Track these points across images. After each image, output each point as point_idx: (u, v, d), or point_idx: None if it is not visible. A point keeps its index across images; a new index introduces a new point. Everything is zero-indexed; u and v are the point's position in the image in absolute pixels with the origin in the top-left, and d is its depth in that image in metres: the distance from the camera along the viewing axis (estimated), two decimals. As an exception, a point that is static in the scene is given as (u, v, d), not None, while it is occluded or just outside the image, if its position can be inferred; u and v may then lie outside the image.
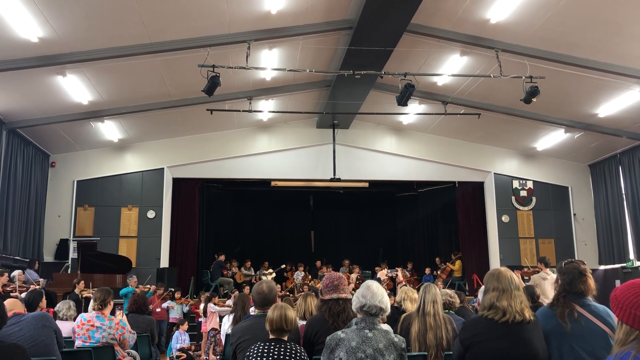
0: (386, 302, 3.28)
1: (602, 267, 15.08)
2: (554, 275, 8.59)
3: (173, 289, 12.08)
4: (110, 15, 8.65)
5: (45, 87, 10.49)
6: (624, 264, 14.14)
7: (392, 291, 13.96)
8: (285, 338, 3.50)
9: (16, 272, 9.60)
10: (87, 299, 9.59)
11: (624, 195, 14.34)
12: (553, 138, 14.31)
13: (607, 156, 14.95)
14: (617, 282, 13.57)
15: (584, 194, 15.83)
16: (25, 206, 12.46)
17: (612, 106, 11.88)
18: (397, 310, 5.10)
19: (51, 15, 8.27)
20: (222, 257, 15.24)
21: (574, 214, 15.69)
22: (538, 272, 8.95)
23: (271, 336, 3.50)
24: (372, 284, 3.35)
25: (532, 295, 6.21)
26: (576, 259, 3.43)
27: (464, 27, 9.90)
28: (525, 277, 10.08)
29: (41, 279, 10.76)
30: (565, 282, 3.21)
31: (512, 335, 2.99)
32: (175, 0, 8.49)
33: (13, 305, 4.85)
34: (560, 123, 13.28)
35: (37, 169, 13.18)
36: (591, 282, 3.20)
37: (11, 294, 8.17)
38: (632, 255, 14.02)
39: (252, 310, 5.86)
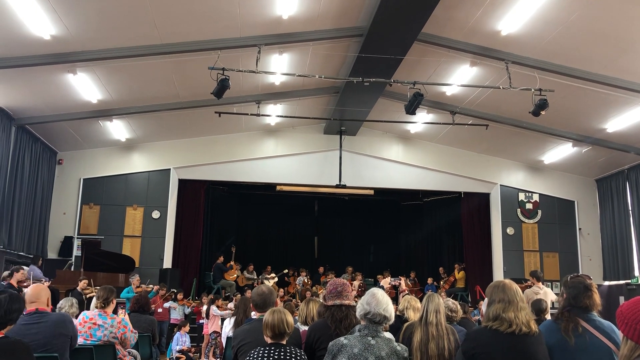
0: (390, 310, 3.27)
1: (607, 283, 14.99)
2: (547, 290, 8.53)
3: (175, 290, 12.08)
4: (122, 15, 8.70)
5: (56, 85, 10.55)
6: (629, 281, 14.05)
7: (394, 300, 13.92)
8: (284, 342, 3.49)
9: (28, 268, 9.66)
10: (90, 298, 9.60)
11: (630, 212, 14.27)
12: (560, 152, 14.27)
13: (614, 171, 14.90)
14: (621, 299, 13.48)
15: (590, 208, 15.77)
16: (31, 202, 12.50)
17: (620, 121, 11.85)
18: (399, 318, 5.08)
19: (64, 13, 8.33)
20: (221, 259, 15.27)
21: (580, 229, 15.63)
22: (530, 286, 8.78)
23: (270, 341, 3.47)
24: (377, 291, 3.34)
25: (539, 310, 6.17)
26: (581, 273, 3.40)
27: (475, 38, 9.90)
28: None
29: (46, 278, 10.84)
30: (570, 296, 3.19)
31: (516, 347, 2.96)
32: (187, 2, 8.53)
33: (38, 295, 4.27)
34: (568, 137, 13.25)
35: (44, 165, 13.23)
36: (597, 297, 3.18)
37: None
38: (637, 272, 13.94)
39: (254, 315, 5.85)
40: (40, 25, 8.47)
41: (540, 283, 8.60)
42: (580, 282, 3.23)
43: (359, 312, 3.29)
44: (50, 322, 4.17)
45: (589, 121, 12.26)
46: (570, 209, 15.76)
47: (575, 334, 3.03)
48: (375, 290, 3.37)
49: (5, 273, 9.18)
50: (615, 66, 9.91)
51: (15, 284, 8.69)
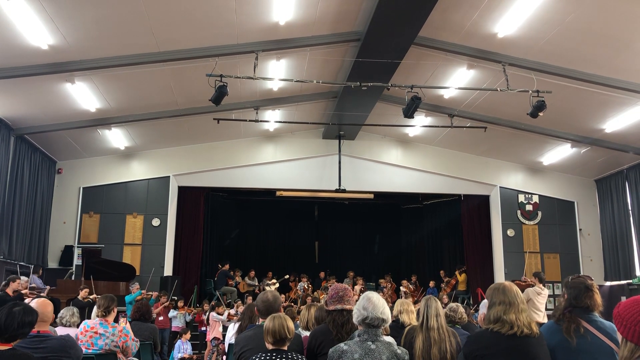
0: (387, 313, 3.27)
1: (608, 283, 14.98)
2: (547, 292, 8.63)
3: (176, 298, 12.05)
4: (120, 23, 8.71)
5: (54, 94, 10.56)
6: (630, 280, 14.03)
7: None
8: (286, 347, 3.48)
9: (23, 279, 9.64)
10: (92, 305, 9.60)
11: (630, 211, 14.27)
12: (559, 153, 14.28)
13: (613, 171, 14.90)
14: (623, 299, 13.42)
15: (590, 209, 15.76)
16: (30, 212, 12.50)
17: (618, 122, 11.86)
18: (394, 323, 5.05)
19: (62, 23, 8.34)
20: (227, 267, 15.24)
21: (580, 229, 15.62)
22: (531, 285, 8.91)
23: (271, 347, 3.46)
24: (372, 295, 3.34)
25: None
26: (582, 274, 3.41)
27: (472, 41, 9.92)
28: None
29: (47, 287, 10.81)
30: (571, 296, 3.19)
31: (518, 349, 2.96)
32: (184, 10, 8.55)
33: (43, 315, 3.95)
34: (567, 138, 13.26)
35: (44, 175, 13.22)
36: (598, 297, 3.18)
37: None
38: (638, 272, 13.93)
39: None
40: (38, 35, 8.48)
41: (542, 285, 8.71)
42: (581, 282, 3.23)
43: (356, 318, 3.28)
44: (49, 349, 3.89)
45: (587, 122, 12.27)
46: (570, 210, 15.76)
47: (577, 335, 3.03)
48: (369, 294, 3.37)
49: (4, 283, 9.18)
50: (612, 66, 9.93)
51: (11, 293, 8.67)
